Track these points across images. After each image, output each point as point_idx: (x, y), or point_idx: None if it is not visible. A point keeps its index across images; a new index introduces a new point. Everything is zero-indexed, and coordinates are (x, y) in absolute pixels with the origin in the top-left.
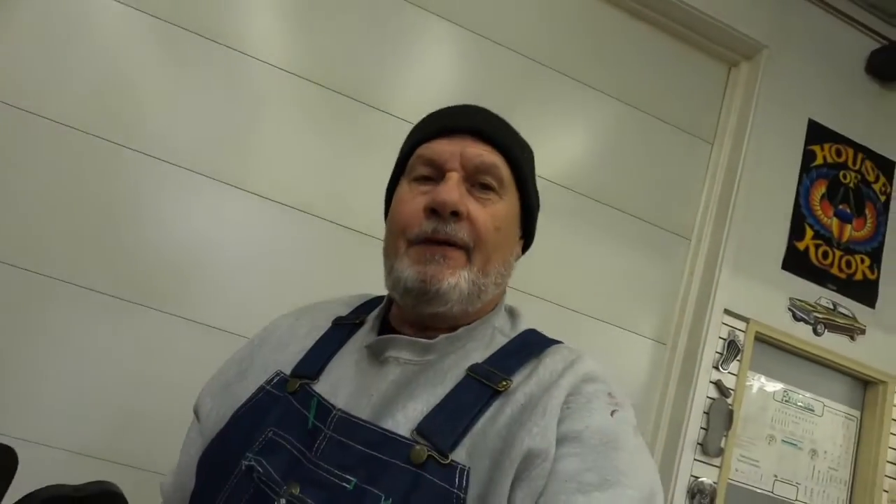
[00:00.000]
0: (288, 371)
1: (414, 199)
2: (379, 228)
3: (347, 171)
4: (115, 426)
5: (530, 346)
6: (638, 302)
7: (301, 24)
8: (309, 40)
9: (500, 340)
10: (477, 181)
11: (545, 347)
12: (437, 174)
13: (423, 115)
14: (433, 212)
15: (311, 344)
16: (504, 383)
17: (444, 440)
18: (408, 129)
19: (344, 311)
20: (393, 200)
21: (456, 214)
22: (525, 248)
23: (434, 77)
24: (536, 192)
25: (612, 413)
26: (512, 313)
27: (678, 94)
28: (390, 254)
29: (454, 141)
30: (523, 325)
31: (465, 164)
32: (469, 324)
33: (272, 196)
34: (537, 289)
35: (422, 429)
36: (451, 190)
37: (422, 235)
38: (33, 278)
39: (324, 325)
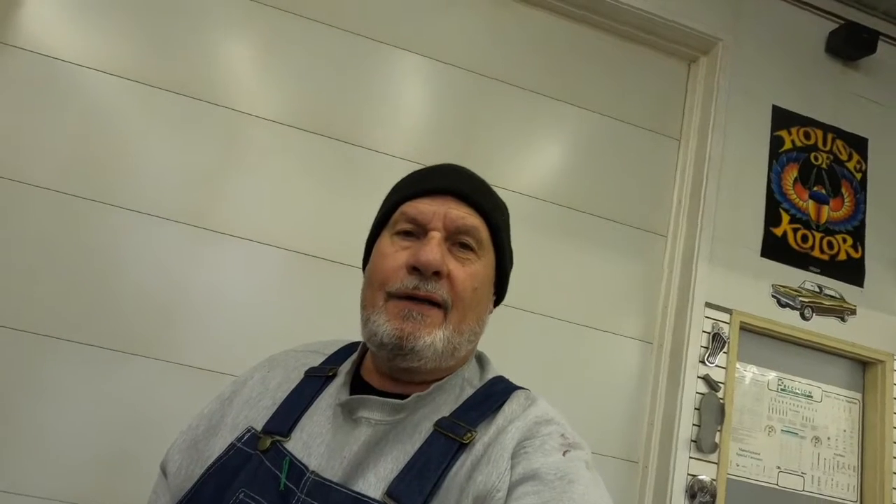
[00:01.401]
0: (259, 427)
1: (396, 253)
2: (351, 257)
3: (323, 206)
4: (107, 473)
5: (494, 395)
6: (621, 304)
7: (271, 72)
8: (280, 86)
9: (468, 392)
10: (457, 241)
11: (507, 395)
12: (419, 231)
13: (394, 145)
14: (415, 269)
15: (282, 397)
16: (468, 435)
17: (413, 502)
18: (381, 160)
19: (316, 361)
20: (374, 252)
21: (437, 274)
22: (496, 303)
23: (404, 108)
24: (511, 251)
25: (565, 453)
26: (480, 360)
27: (641, 96)
28: (368, 305)
29: (438, 201)
30: (490, 374)
31: (447, 225)
32: (440, 378)
33: (247, 235)
34: (521, 301)
35: (392, 491)
36: (434, 250)
37: (403, 290)
38: (23, 337)
39: (295, 376)
